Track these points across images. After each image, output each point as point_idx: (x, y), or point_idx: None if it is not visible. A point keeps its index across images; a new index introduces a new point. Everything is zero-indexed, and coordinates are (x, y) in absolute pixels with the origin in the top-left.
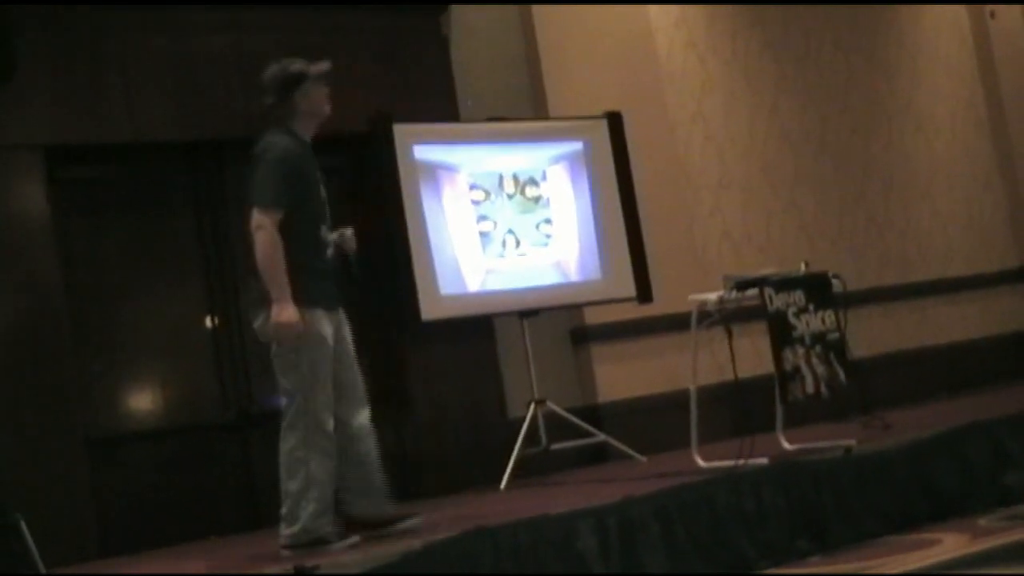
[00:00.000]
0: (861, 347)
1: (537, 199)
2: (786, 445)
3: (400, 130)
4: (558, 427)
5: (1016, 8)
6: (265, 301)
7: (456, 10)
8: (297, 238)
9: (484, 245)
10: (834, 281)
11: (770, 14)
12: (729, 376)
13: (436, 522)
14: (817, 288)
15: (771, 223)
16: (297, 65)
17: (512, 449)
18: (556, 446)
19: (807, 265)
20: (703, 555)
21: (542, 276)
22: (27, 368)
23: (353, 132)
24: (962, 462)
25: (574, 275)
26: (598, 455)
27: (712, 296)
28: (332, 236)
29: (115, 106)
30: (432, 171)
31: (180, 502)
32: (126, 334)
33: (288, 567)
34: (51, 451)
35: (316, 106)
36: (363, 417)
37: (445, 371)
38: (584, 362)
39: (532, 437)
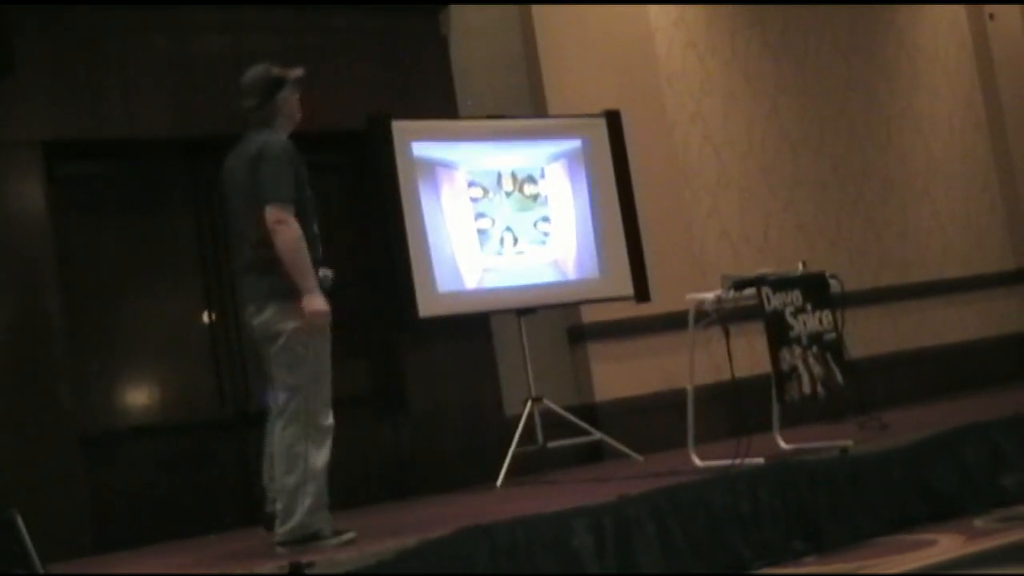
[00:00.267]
0: (858, 347)
1: (535, 197)
2: (783, 445)
3: (399, 127)
4: (555, 425)
5: (1015, 10)
6: (276, 295)
7: (455, 10)
8: None
9: (482, 243)
10: (832, 281)
11: (769, 14)
12: (726, 376)
13: (432, 520)
14: (815, 288)
15: (769, 223)
16: (277, 69)
17: (508, 447)
18: (553, 444)
19: (805, 265)
20: (699, 555)
21: (540, 274)
22: (23, 365)
23: (352, 130)
24: (959, 463)
25: (572, 273)
26: (595, 454)
27: (709, 295)
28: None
29: (114, 104)
30: (430, 168)
31: (176, 499)
32: (123, 331)
33: (283, 564)
34: (47, 448)
35: (292, 110)
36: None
37: (442, 368)
38: (581, 360)
39: (529, 435)
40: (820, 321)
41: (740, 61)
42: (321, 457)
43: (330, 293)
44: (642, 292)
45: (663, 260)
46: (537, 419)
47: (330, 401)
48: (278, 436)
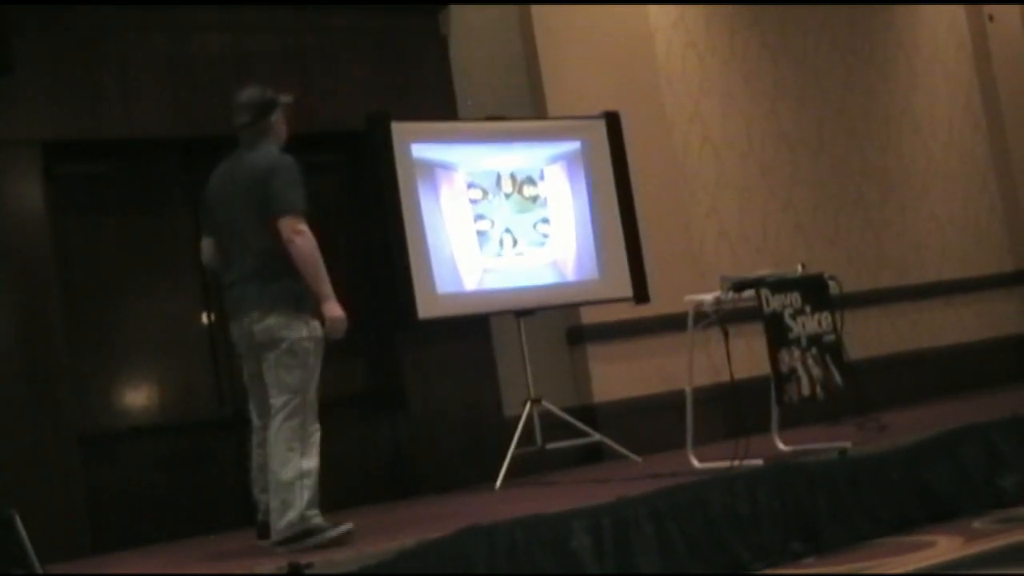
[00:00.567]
0: (857, 349)
1: (534, 198)
2: (781, 446)
3: (398, 128)
4: (554, 427)
5: (1014, 10)
6: (280, 302)
7: (455, 10)
8: None
9: (481, 244)
10: (830, 283)
11: (769, 15)
12: (725, 377)
13: (431, 520)
14: (814, 289)
15: (768, 224)
16: (270, 92)
17: (508, 448)
18: (552, 446)
19: (804, 266)
20: (697, 556)
21: (539, 275)
22: (22, 364)
23: (351, 131)
24: (957, 464)
25: (571, 275)
26: (593, 455)
27: (708, 297)
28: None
29: (113, 104)
30: (430, 170)
31: (175, 499)
32: (121, 331)
33: (282, 565)
34: (46, 448)
35: (281, 132)
36: None
37: (441, 370)
38: (580, 362)
39: (528, 436)
40: (819, 323)
41: (739, 61)
42: (315, 456)
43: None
44: (641, 293)
45: (662, 261)
46: (536, 420)
47: (317, 411)
48: (275, 432)
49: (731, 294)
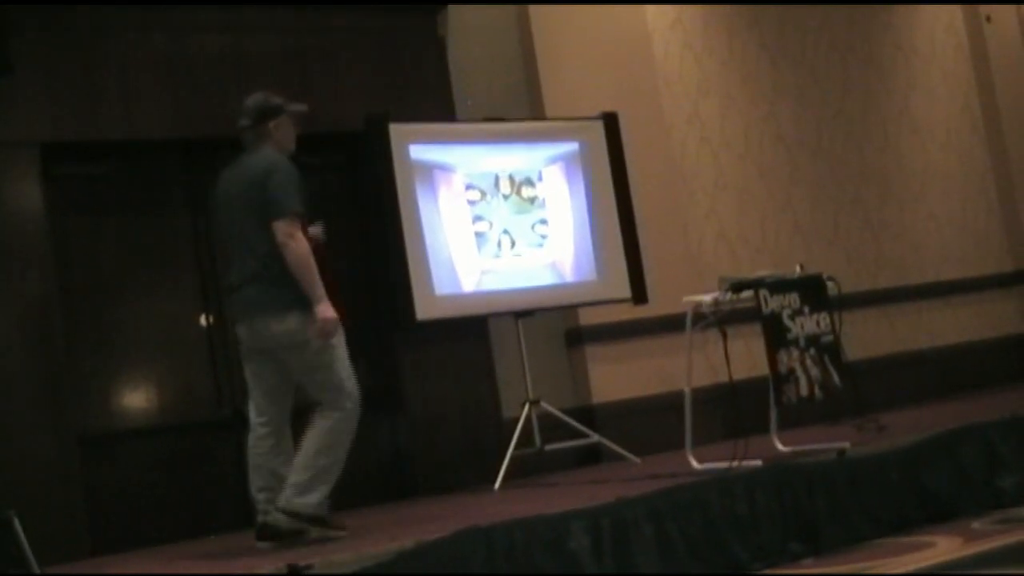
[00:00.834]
0: (856, 349)
1: (533, 200)
2: (780, 447)
3: (396, 130)
4: (552, 428)
5: (1012, 11)
6: (297, 304)
7: (453, 10)
8: None
9: (479, 245)
10: (829, 283)
11: (767, 16)
12: (723, 378)
13: (430, 521)
14: (812, 290)
15: (766, 225)
16: (278, 99)
17: (506, 449)
18: (550, 447)
19: (802, 267)
20: (696, 556)
21: (537, 277)
22: (21, 365)
23: (349, 131)
24: (956, 465)
25: (569, 276)
26: (592, 456)
27: (707, 298)
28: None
29: (112, 104)
30: (428, 171)
31: (175, 500)
32: (121, 331)
33: (281, 566)
34: (45, 448)
35: (285, 141)
36: None
37: (440, 371)
38: (579, 363)
39: (526, 438)
40: (818, 323)
41: (737, 62)
42: (346, 451)
43: (327, 243)
44: (639, 294)
45: (661, 262)
46: (535, 421)
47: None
48: (319, 421)
49: (730, 295)
